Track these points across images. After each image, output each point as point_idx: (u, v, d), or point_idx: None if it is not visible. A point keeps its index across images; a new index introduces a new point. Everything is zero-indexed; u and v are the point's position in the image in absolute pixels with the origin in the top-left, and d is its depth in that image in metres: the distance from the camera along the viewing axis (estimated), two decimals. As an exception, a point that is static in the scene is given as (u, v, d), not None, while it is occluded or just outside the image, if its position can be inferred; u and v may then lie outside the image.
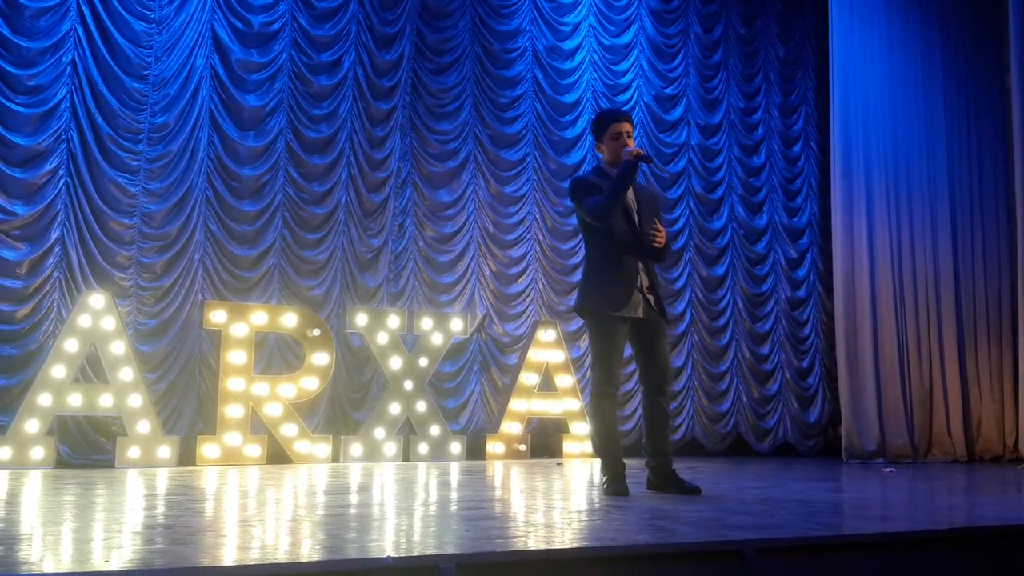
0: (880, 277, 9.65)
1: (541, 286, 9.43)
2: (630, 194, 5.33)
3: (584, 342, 9.48)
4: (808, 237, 10.92)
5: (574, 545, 3.29)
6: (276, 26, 8.40)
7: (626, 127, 5.39)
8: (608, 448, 5.26)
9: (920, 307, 9.77)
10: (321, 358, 7.94)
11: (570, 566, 2.92)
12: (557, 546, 3.24)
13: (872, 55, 9.92)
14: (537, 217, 9.48)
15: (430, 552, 3.03)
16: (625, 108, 9.87)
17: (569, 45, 9.87)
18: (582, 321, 9.38)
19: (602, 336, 5.23)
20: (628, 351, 5.41)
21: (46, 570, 2.69)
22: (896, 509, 4.88)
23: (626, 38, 10.18)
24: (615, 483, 5.14)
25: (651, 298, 5.31)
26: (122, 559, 2.87)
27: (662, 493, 5.27)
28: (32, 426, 6.80)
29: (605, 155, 5.45)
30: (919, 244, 9.85)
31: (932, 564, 3.38)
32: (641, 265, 5.31)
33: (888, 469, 8.21)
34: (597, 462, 5.64)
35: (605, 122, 5.46)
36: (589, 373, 5.49)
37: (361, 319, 8.24)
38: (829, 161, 10.06)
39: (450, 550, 3.07)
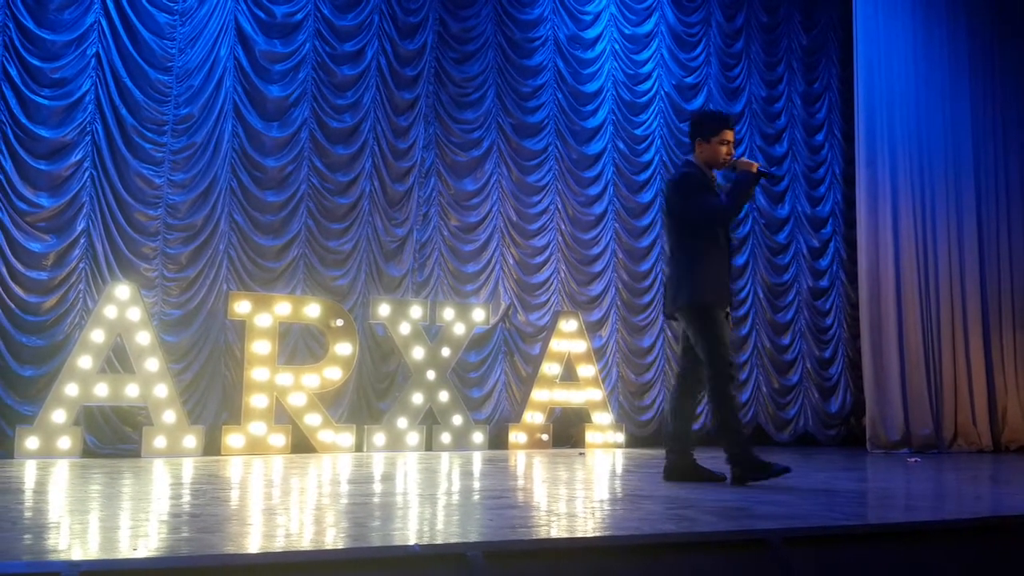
0: (905, 266, 9.59)
1: (563, 275, 9.42)
2: None
3: (605, 332, 9.49)
4: (831, 226, 10.84)
5: (598, 534, 3.30)
6: (299, 16, 8.41)
7: (733, 136, 5.51)
8: (742, 434, 5.31)
9: (945, 296, 9.70)
10: (344, 348, 7.96)
11: (595, 554, 2.92)
12: (581, 534, 3.25)
13: (896, 42, 9.84)
14: (559, 207, 9.46)
15: (454, 540, 3.04)
16: (645, 98, 9.94)
17: (590, 34, 9.84)
18: (603, 311, 9.51)
19: (719, 327, 5.32)
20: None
21: (74, 558, 2.71)
22: (922, 499, 4.86)
23: (647, 27, 10.13)
24: (761, 465, 5.13)
25: (732, 299, 5.72)
26: (149, 547, 2.90)
27: (684, 483, 5.27)
28: (59, 416, 6.86)
29: (704, 154, 5.48)
30: (944, 233, 9.78)
31: (958, 553, 3.36)
32: None
33: (913, 459, 8.18)
34: (630, 451, 5.63)
35: (718, 125, 5.48)
36: (707, 364, 5.30)
37: (384, 309, 8.25)
38: (853, 149, 10.00)
39: (474, 538, 3.08)
